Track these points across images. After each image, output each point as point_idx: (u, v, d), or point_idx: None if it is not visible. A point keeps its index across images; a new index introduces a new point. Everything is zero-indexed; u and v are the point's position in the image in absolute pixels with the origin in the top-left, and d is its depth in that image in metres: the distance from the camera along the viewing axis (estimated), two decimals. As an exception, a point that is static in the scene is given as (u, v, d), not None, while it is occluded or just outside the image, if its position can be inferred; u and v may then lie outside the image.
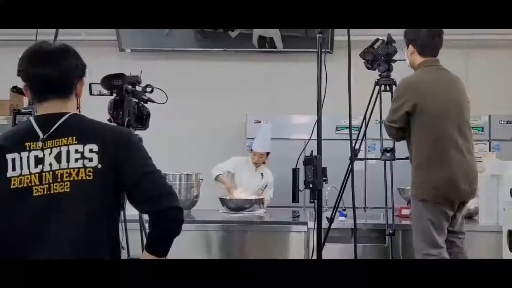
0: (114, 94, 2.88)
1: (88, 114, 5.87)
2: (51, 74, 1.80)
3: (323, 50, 2.91)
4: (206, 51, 6.13)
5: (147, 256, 1.89)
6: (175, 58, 6.14)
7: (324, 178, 2.74)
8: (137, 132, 2.97)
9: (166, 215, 1.84)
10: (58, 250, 1.73)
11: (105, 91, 2.86)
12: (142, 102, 2.97)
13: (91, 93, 2.90)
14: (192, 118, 6.06)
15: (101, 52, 6.02)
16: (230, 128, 6.02)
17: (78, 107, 1.97)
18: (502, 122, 5.53)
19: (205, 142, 6.01)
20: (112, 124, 1.89)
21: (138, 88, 2.97)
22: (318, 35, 2.77)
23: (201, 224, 4.12)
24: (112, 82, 2.77)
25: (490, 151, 5.33)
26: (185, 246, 4.00)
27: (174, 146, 5.95)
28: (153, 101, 3.00)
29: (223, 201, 4.54)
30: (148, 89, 2.97)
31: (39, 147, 1.78)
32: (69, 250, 1.73)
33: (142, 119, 2.95)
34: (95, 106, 3.54)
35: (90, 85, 2.92)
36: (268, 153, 4.88)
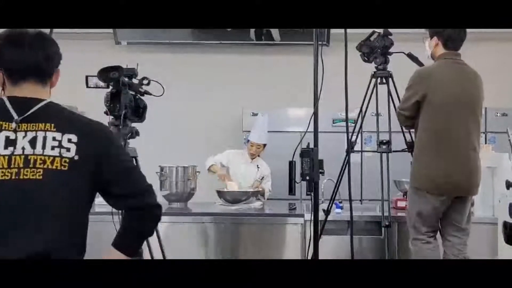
0: (111, 87, 2.88)
1: (85, 106, 5.87)
2: (35, 55, 1.73)
3: (319, 43, 2.91)
4: (202, 44, 6.12)
5: (113, 253, 1.82)
6: (171, 51, 6.13)
7: (320, 170, 2.75)
8: (133, 124, 2.98)
9: (147, 212, 1.81)
10: (24, 241, 1.63)
11: (102, 84, 2.86)
12: (138, 95, 2.97)
13: (87, 86, 2.90)
14: (188, 111, 6.06)
15: (97, 45, 6.01)
16: (226, 121, 6.01)
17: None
18: (498, 115, 5.56)
19: (201, 135, 6.01)
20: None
21: (135, 81, 2.96)
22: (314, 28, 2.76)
23: (198, 216, 4.14)
24: (109, 74, 2.77)
25: (486, 143, 5.35)
26: (182, 238, 4.02)
27: (170, 138, 5.95)
28: (149, 94, 3.00)
29: (220, 193, 4.54)
30: (145, 82, 2.97)
31: (11, 128, 1.67)
32: (35, 242, 1.64)
33: (139, 112, 2.95)
34: (91, 99, 3.56)
35: (86, 77, 2.93)
36: (264, 145, 4.89)
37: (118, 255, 1.83)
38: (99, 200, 3.95)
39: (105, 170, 1.75)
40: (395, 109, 3.52)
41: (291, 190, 3.14)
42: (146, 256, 3.15)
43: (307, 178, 2.68)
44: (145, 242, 3.09)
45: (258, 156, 4.93)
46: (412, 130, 3.50)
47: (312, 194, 2.71)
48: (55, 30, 3.10)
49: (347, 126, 3.23)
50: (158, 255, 3.17)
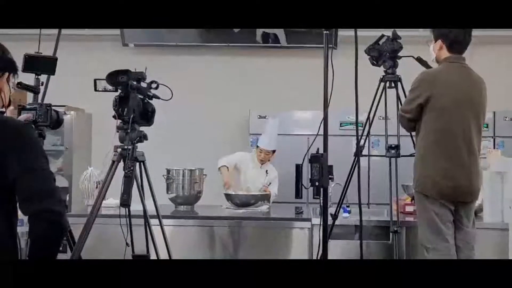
0: (119, 90, 2.87)
1: (93, 109, 5.85)
2: None
3: (331, 46, 2.89)
4: (210, 46, 6.11)
5: None
6: (179, 53, 6.12)
7: (330, 176, 2.73)
8: (141, 128, 2.97)
9: (41, 218, 1.73)
10: None
11: (110, 87, 2.85)
12: (147, 99, 2.95)
13: (96, 89, 2.89)
14: (195, 114, 6.05)
15: (104, 47, 6.01)
16: (233, 124, 6.00)
17: (4, 104, 1.91)
18: (507, 119, 5.51)
19: (208, 138, 5.99)
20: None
21: (143, 84, 2.95)
22: (324, 32, 2.73)
23: (204, 220, 4.12)
24: (117, 78, 2.76)
25: (494, 148, 5.31)
26: (188, 242, 4.01)
27: (177, 141, 5.94)
28: (158, 98, 2.98)
29: (228, 196, 4.51)
30: (153, 86, 2.95)
31: None
32: None
33: (147, 116, 2.94)
34: (100, 101, 3.55)
35: (95, 80, 2.92)
36: (274, 151, 4.76)
37: None
38: (105, 202, 3.97)
39: (7, 170, 1.74)
40: None
41: (298, 194, 3.12)
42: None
43: (316, 184, 2.66)
44: (152, 244, 3.10)
45: (268, 161, 4.84)
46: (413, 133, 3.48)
47: (321, 200, 2.68)
48: (63, 32, 3.10)
49: (357, 130, 3.21)
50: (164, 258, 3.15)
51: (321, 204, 2.68)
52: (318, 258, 3.08)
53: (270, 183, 4.80)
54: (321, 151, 2.68)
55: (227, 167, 4.75)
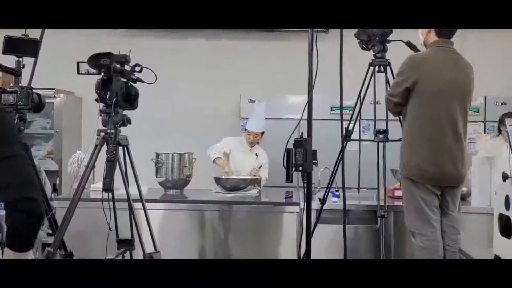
0: (102, 74, 2.82)
1: (82, 91, 5.74)
2: None
3: (317, 29, 2.86)
4: (200, 30, 6.04)
5: (8, 253, 1.80)
6: (169, 36, 6.05)
7: (314, 161, 2.71)
8: (125, 112, 2.93)
9: (15, 206, 1.73)
10: None
11: (93, 70, 2.80)
12: (130, 82, 2.91)
13: (78, 72, 2.85)
14: (185, 98, 6.01)
15: (94, 30, 5.94)
16: (224, 108, 5.96)
17: None
18: (497, 104, 5.49)
19: (199, 122, 5.96)
20: None
21: (127, 68, 2.91)
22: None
23: (194, 204, 4.12)
24: (100, 61, 2.71)
25: (485, 132, 5.30)
26: (178, 226, 4.01)
27: (167, 126, 5.91)
28: (142, 81, 2.94)
29: (218, 180, 4.51)
30: (137, 69, 2.91)
31: None
32: None
33: (130, 99, 2.90)
34: (89, 83, 3.51)
35: (77, 63, 2.87)
36: (262, 133, 4.85)
37: (12, 255, 1.79)
38: (94, 186, 3.93)
39: None
40: None
41: (288, 178, 3.11)
42: (137, 247, 3.12)
43: (300, 168, 2.64)
44: (136, 233, 3.07)
45: (258, 143, 4.89)
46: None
47: (305, 185, 2.67)
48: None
49: (341, 115, 3.20)
50: (149, 246, 3.13)
51: (305, 189, 2.67)
52: (303, 244, 3.08)
53: (260, 166, 4.81)
54: (305, 136, 2.66)
55: (221, 157, 4.76)
